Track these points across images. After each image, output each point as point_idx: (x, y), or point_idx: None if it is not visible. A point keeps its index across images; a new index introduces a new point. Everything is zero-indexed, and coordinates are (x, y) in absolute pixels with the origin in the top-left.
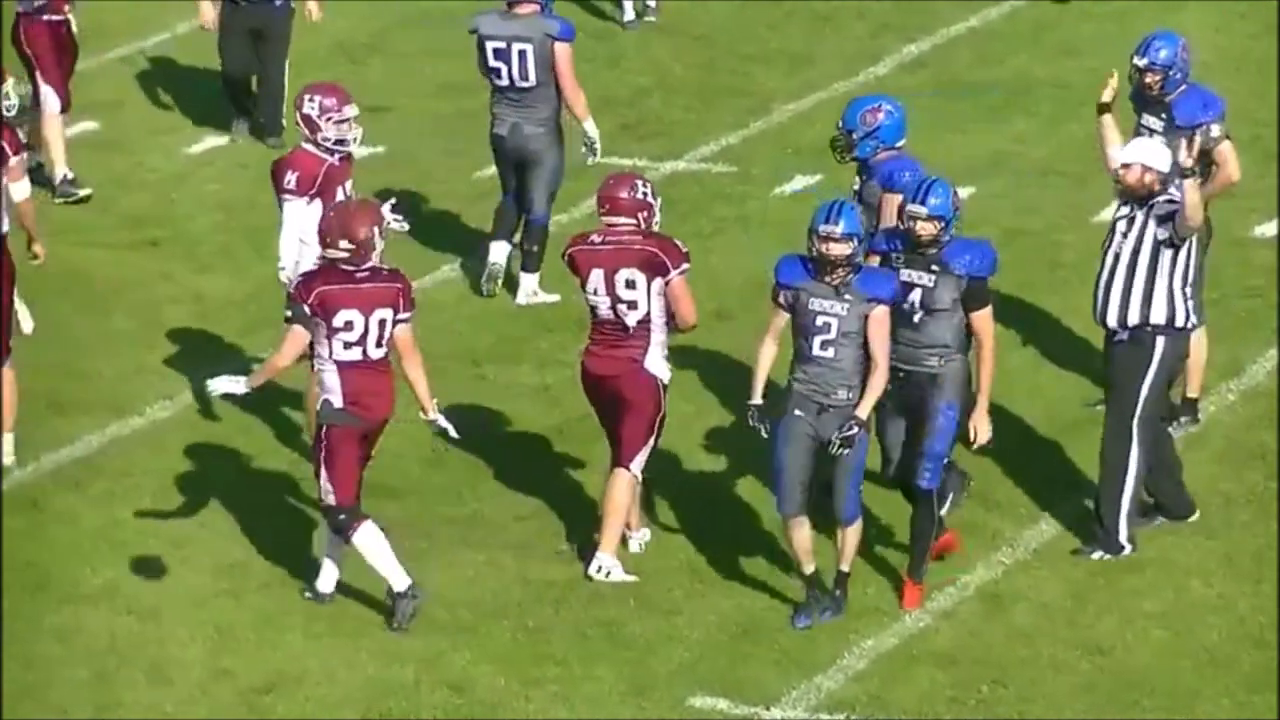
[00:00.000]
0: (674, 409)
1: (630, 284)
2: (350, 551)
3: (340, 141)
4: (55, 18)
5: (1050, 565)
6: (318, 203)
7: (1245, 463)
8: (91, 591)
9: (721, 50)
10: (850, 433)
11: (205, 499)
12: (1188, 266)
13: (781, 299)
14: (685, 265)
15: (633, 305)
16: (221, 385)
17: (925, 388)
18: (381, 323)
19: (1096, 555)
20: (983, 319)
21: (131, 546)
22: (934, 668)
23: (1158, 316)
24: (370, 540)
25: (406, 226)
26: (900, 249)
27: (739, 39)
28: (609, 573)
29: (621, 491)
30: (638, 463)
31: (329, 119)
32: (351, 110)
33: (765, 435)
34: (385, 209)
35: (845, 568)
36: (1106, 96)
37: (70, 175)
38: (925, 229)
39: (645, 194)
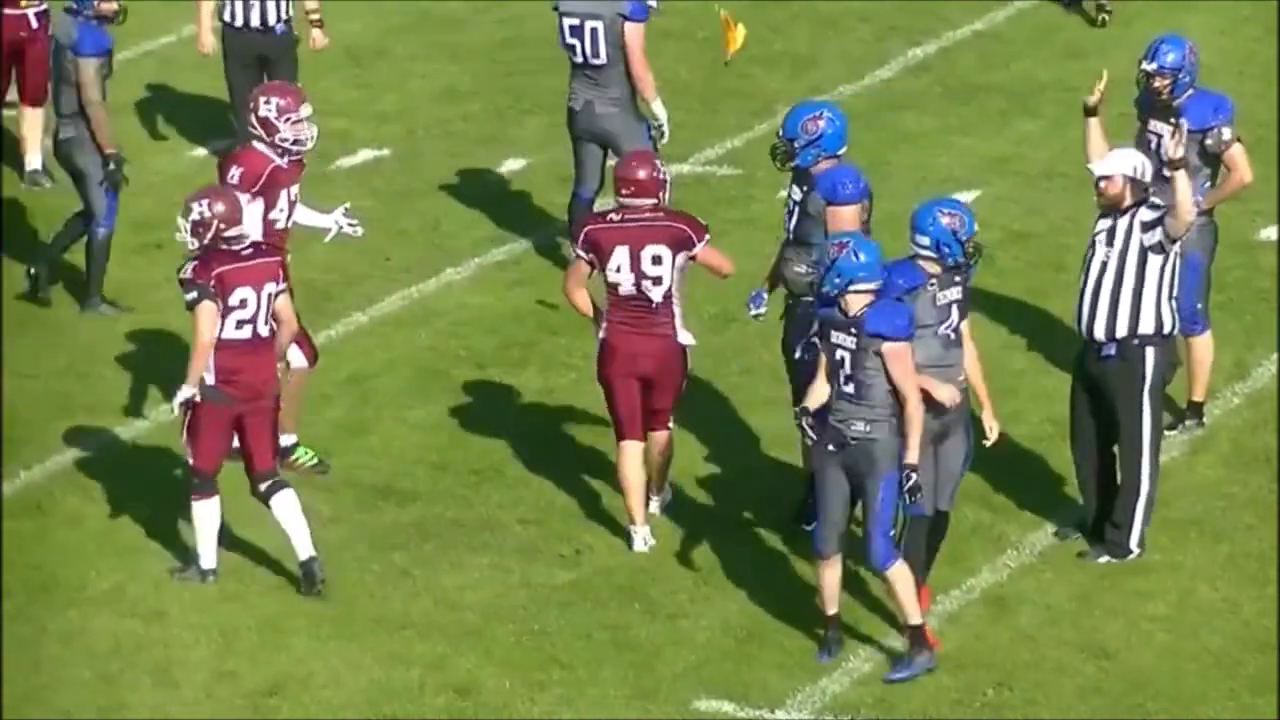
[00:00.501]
0: (677, 412)
1: (656, 260)
2: (357, 555)
3: (297, 142)
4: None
5: (1055, 568)
6: (259, 202)
7: (1250, 466)
8: (96, 594)
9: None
10: (909, 485)
11: None
12: (1174, 274)
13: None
14: (707, 235)
15: (657, 281)
16: (177, 401)
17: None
18: (269, 297)
19: (1102, 559)
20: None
21: (136, 549)
22: (939, 671)
23: (1146, 327)
24: (207, 515)
25: (360, 232)
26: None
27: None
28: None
29: (668, 447)
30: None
31: (286, 119)
32: (307, 110)
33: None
34: (339, 214)
35: (912, 620)
36: (1093, 99)
37: (40, 167)
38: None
39: (663, 172)
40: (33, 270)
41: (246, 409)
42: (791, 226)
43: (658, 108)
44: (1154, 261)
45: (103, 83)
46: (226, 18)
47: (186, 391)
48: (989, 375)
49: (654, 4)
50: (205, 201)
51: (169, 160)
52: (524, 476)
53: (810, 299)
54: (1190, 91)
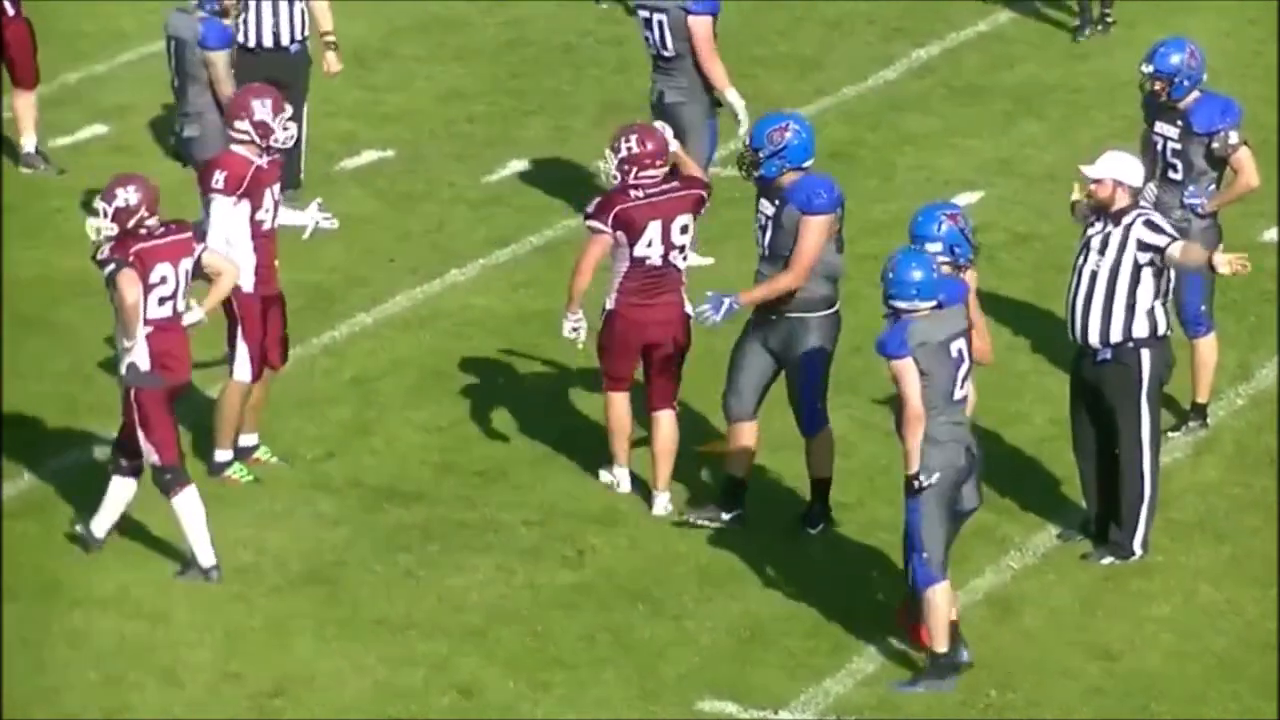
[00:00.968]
0: (682, 414)
1: (684, 229)
2: (361, 556)
3: (285, 141)
4: None
5: (1059, 570)
6: (245, 203)
7: (1254, 467)
8: (101, 595)
9: (731, 55)
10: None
11: (214, 502)
12: (1168, 278)
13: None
14: (707, 186)
15: (683, 249)
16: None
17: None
18: (186, 273)
19: (1106, 560)
20: None
21: (141, 551)
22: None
23: (1140, 331)
24: (189, 506)
25: (335, 224)
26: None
27: (749, 43)
28: (671, 508)
29: (674, 429)
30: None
31: (278, 119)
32: (288, 110)
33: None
34: (314, 208)
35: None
36: (1075, 195)
37: (34, 149)
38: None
39: (667, 139)
40: None
41: (176, 388)
42: (766, 242)
43: (731, 96)
44: (1147, 271)
45: (233, 77)
46: (240, 38)
47: (143, 375)
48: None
49: None
50: (130, 188)
51: (173, 163)
52: (528, 478)
53: (775, 315)
54: (1196, 94)
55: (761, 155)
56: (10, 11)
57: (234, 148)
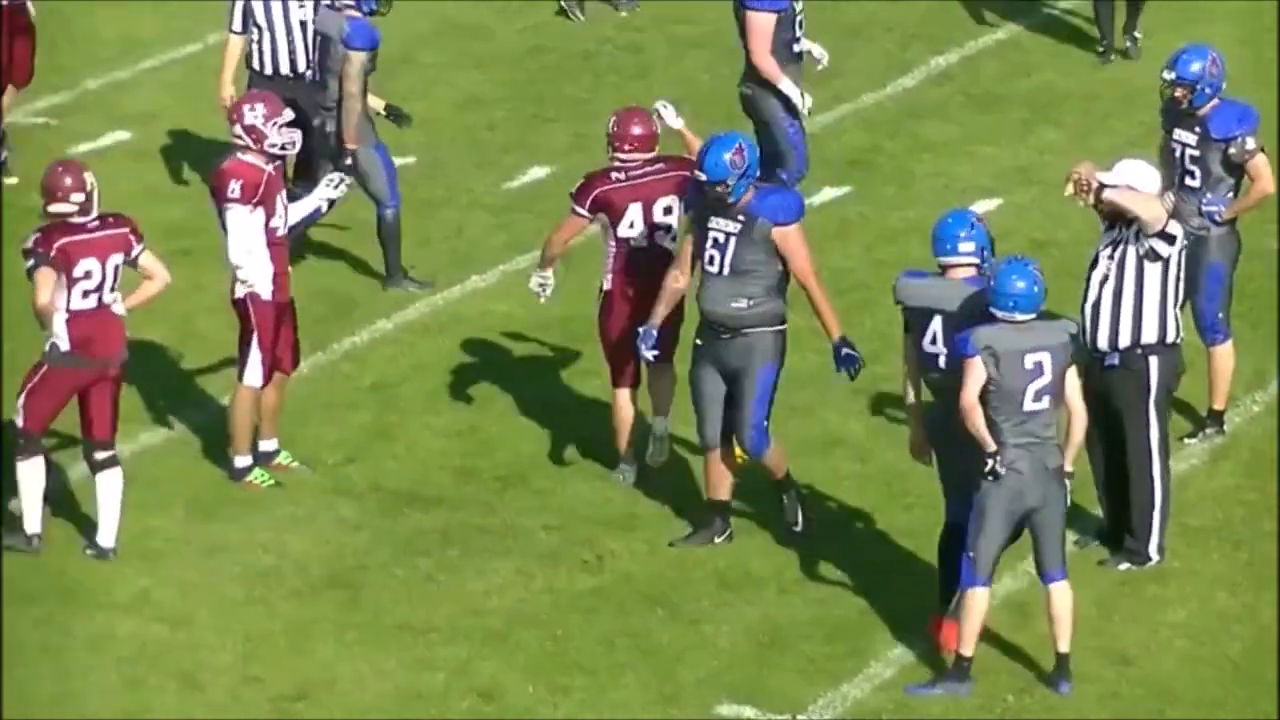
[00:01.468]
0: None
1: (668, 210)
2: (382, 561)
3: (284, 146)
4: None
5: (1075, 576)
6: (260, 211)
7: (1270, 473)
8: (124, 599)
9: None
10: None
11: (236, 506)
12: (1177, 283)
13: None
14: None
15: (668, 230)
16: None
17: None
18: (116, 268)
19: (1122, 566)
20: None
21: (163, 555)
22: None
23: (1149, 336)
24: (31, 476)
25: (345, 187)
26: None
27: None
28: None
29: (672, 380)
30: None
31: (273, 124)
32: (289, 115)
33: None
34: (322, 189)
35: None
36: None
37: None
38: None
39: (655, 125)
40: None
41: (94, 377)
42: (727, 260)
43: (785, 87)
44: (1151, 270)
45: (365, 78)
46: (255, 65)
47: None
48: None
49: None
50: (89, 175)
51: (195, 168)
52: (547, 483)
53: (730, 334)
54: (1214, 101)
55: (730, 184)
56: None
57: (241, 155)
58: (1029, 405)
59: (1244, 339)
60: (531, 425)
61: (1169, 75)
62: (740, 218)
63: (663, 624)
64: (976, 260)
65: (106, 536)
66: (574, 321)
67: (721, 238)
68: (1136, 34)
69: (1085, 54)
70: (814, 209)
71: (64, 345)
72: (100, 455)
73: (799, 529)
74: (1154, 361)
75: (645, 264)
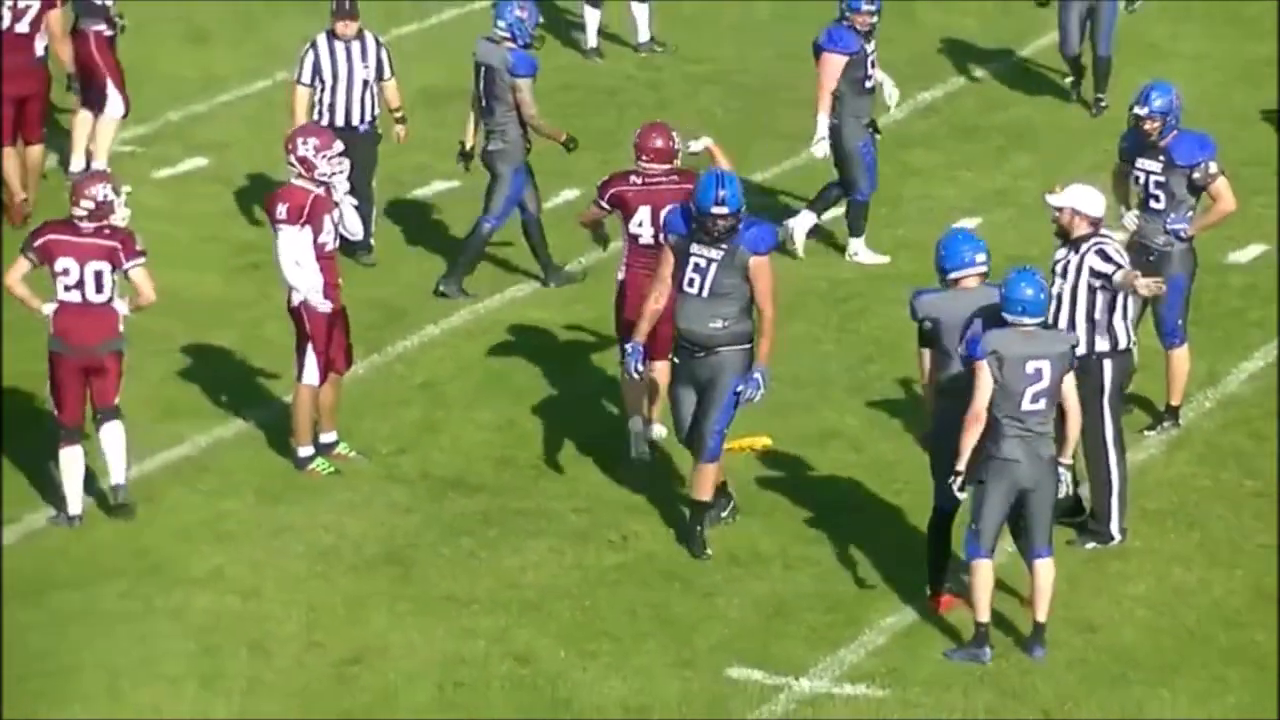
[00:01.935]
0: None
1: None
2: (430, 540)
3: (334, 175)
4: (111, 31)
5: None
6: (308, 230)
7: (1221, 462)
8: (200, 575)
9: (759, 97)
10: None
11: (300, 492)
12: (1126, 298)
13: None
14: None
15: None
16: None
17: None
18: (97, 274)
19: (1089, 545)
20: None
21: (235, 535)
22: (945, 643)
23: (1103, 345)
24: (69, 462)
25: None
26: None
27: (775, 89)
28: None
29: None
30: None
31: (323, 156)
32: (339, 147)
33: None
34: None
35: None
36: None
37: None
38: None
39: (676, 141)
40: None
41: (88, 364)
42: (708, 283)
43: (819, 119)
44: (1101, 292)
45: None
46: (317, 116)
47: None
48: None
49: (853, 29)
50: (106, 188)
51: (265, 191)
52: (578, 471)
53: (704, 352)
54: (1175, 132)
55: (740, 215)
56: (89, 39)
57: (294, 181)
58: (1026, 405)
59: (1198, 343)
60: (564, 419)
61: (1141, 110)
62: (724, 246)
63: (680, 596)
64: (986, 269)
65: (117, 475)
66: (602, 325)
67: (703, 263)
68: (1103, 100)
69: (1054, 90)
70: (815, 227)
71: (50, 331)
72: (101, 414)
73: (709, 555)
74: (1108, 365)
75: (652, 259)
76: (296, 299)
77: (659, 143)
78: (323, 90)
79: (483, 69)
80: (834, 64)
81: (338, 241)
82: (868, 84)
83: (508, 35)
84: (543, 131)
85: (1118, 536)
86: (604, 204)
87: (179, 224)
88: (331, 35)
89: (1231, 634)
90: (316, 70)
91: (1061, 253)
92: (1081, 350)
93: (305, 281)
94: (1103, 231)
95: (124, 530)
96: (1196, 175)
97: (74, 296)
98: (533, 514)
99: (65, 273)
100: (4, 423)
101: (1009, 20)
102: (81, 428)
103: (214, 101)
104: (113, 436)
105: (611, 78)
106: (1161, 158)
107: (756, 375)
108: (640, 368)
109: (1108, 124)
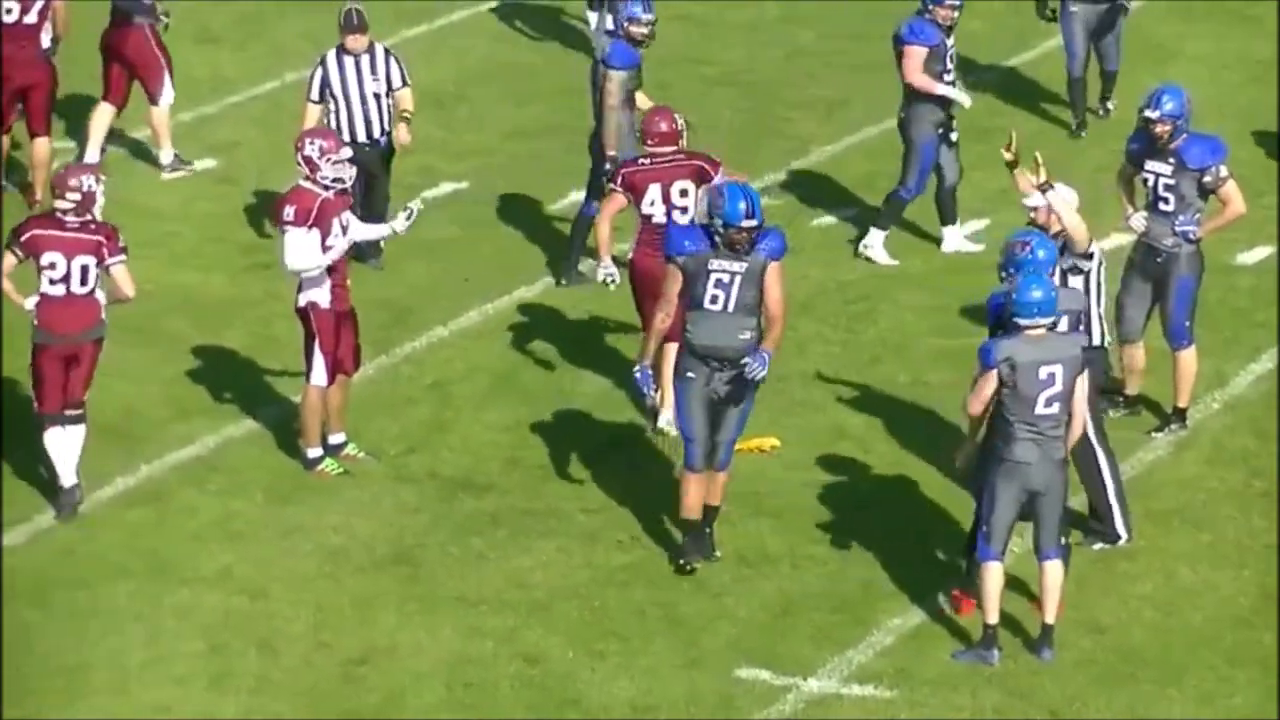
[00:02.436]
0: None
1: (684, 192)
2: (438, 540)
3: (337, 179)
4: (158, 24)
5: None
6: (315, 232)
7: (1229, 463)
8: (209, 574)
9: (767, 98)
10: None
11: (308, 492)
12: (1099, 290)
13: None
14: (721, 167)
15: (684, 210)
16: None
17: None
18: (84, 268)
19: (1096, 546)
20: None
21: (244, 535)
22: (953, 644)
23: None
24: (54, 442)
25: (413, 217)
26: None
27: (784, 89)
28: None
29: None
30: None
31: (327, 159)
32: (346, 152)
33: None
34: (400, 222)
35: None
36: (1008, 157)
37: (176, 153)
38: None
39: (681, 123)
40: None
41: (70, 352)
42: (734, 297)
43: (942, 90)
44: (1075, 281)
45: (625, 93)
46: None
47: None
48: None
49: (935, 22)
50: (89, 179)
51: (275, 191)
52: (586, 472)
53: (721, 363)
54: (1184, 135)
55: (760, 226)
56: (134, 20)
57: (301, 183)
58: (1040, 409)
59: (1204, 344)
60: (572, 420)
61: (1153, 114)
62: (747, 258)
63: (688, 596)
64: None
65: (68, 476)
66: (609, 326)
67: (726, 278)
68: (1110, 104)
69: (1061, 93)
70: (824, 229)
71: (35, 323)
72: (71, 412)
73: (718, 556)
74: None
75: (662, 237)
76: (303, 300)
77: (664, 126)
78: (335, 107)
79: (595, 61)
80: (916, 56)
81: (348, 243)
82: (946, 77)
83: (614, 29)
84: (608, 127)
85: (1124, 534)
86: (617, 187)
87: (188, 224)
88: (341, 50)
89: (1238, 634)
90: (326, 86)
91: None
92: None
93: (313, 282)
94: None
95: (133, 529)
96: (1207, 179)
97: (59, 290)
98: (541, 514)
99: (51, 266)
100: (4, 424)
101: (1017, 21)
102: (61, 414)
103: (223, 103)
104: (73, 440)
105: None
106: (1172, 160)
107: (764, 354)
108: (654, 392)
109: (1112, 126)
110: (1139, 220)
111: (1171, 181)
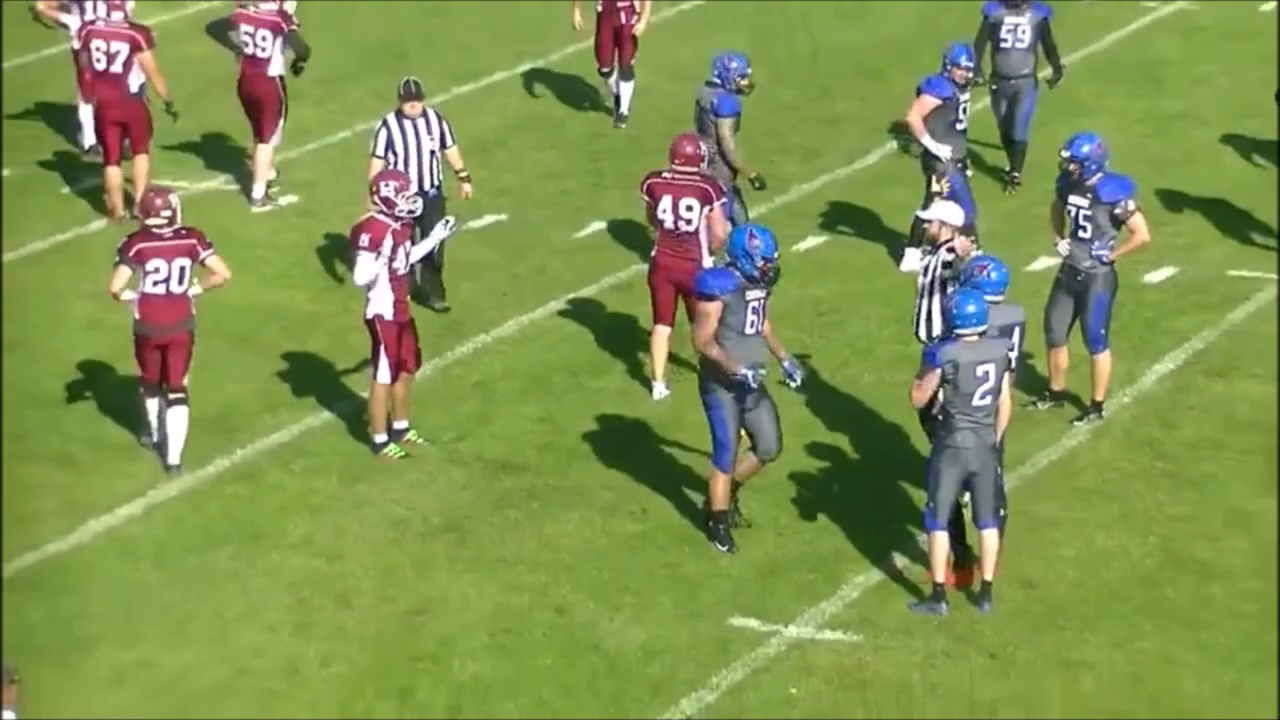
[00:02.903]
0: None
1: (689, 207)
2: (482, 511)
3: (410, 211)
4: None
5: None
6: (383, 256)
7: (1137, 448)
8: (293, 540)
9: (755, 145)
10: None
11: (376, 472)
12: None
13: None
14: (724, 200)
15: (689, 222)
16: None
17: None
18: (181, 269)
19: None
20: None
21: (323, 508)
22: (908, 598)
23: (940, 330)
24: (153, 408)
25: (455, 228)
26: None
27: (768, 137)
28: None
29: (667, 339)
30: None
31: (402, 196)
32: (414, 186)
33: None
34: (439, 229)
35: (935, 578)
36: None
37: (269, 190)
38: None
39: (702, 148)
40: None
41: (165, 341)
42: (762, 320)
43: (925, 141)
44: (951, 284)
45: (734, 135)
46: None
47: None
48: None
49: (951, 80)
50: (175, 198)
51: (346, 222)
52: (606, 455)
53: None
54: (1100, 174)
55: (778, 260)
56: (268, 73)
57: (376, 215)
58: (976, 401)
59: (1118, 349)
60: (595, 413)
61: (1066, 154)
62: (768, 285)
63: (690, 559)
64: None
65: (174, 456)
66: (629, 334)
67: (758, 304)
68: (1017, 175)
69: (995, 140)
70: (801, 253)
71: (135, 317)
72: (173, 396)
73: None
74: None
75: (671, 240)
76: (370, 312)
77: (689, 149)
78: (395, 161)
79: (698, 108)
80: (925, 105)
81: (408, 266)
82: (958, 126)
83: (719, 81)
84: (735, 165)
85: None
86: (643, 193)
87: (275, 251)
88: (400, 114)
89: (1146, 590)
90: (390, 145)
91: (930, 256)
92: (935, 333)
93: (380, 298)
94: (958, 239)
95: (231, 503)
96: (1118, 211)
97: (160, 290)
98: (568, 490)
99: (156, 271)
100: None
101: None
102: (158, 385)
103: (303, 149)
104: (177, 420)
105: (634, 128)
106: (1089, 195)
107: (794, 364)
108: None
109: (1045, 167)
110: (1064, 246)
111: (1089, 213)
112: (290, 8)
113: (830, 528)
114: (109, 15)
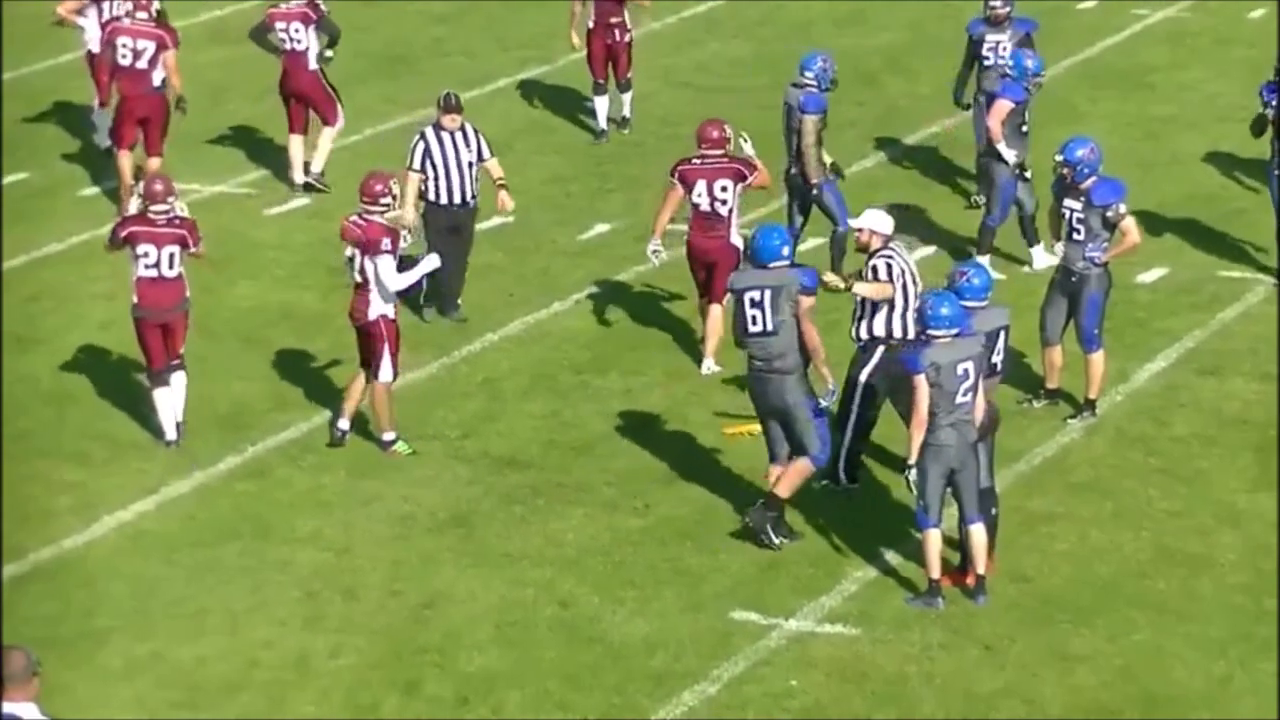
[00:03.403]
0: (722, 403)
1: (724, 188)
2: (488, 507)
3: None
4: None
5: None
6: (388, 256)
7: (1130, 445)
8: (303, 535)
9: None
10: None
11: (384, 468)
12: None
13: None
14: (758, 171)
15: (724, 202)
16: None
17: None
18: (171, 255)
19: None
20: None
21: (331, 504)
22: (905, 592)
23: (879, 332)
24: (160, 399)
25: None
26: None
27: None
28: (716, 368)
29: (720, 316)
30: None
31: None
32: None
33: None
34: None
35: (930, 575)
36: (839, 285)
37: (320, 173)
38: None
39: (728, 132)
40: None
41: (163, 321)
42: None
43: (1002, 148)
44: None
45: (818, 132)
46: (431, 196)
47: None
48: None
49: (1027, 81)
50: (174, 186)
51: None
52: (609, 452)
53: (773, 373)
54: (1093, 178)
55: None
56: (309, 65)
57: (376, 219)
58: (958, 399)
59: (1111, 348)
60: (598, 410)
61: (1059, 158)
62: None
63: (692, 553)
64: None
65: (171, 431)
66: (632, 334)
67: (768, 299)
68: (978, 198)
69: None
70: (804, 253)
71: (135, 300)
72: (173, 363)
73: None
74: (878, 350)
75: (707, 220)
76: (374, 314)
77: (715, 134)
78: (433, 174)
79: (786, 107)
80: (1003, 109)
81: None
82: (1023, 129)
83: (812, 81)
84: (808, 162)
85: (845, 480)
86: (674, 179)
87: (285, 252)
88: (438, 127)
89: (1138, 584)
90: (427, 157)
91: (869, 263)
92: (865, 336)
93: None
94: (891, 245)
95: (241, 499)
96: (1110, 214)
97: (151, 273)
98: (572, 487)
99: (146, 255)
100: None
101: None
102: (165, 372)
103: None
104: (178, 382)
105: (637, 133)
106: (1082, 199)
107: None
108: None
109: (1040, 174)
110: (1059, 248)
111: (1082, 216)
112: None
113: (829, 524)
114: (134, 13)
